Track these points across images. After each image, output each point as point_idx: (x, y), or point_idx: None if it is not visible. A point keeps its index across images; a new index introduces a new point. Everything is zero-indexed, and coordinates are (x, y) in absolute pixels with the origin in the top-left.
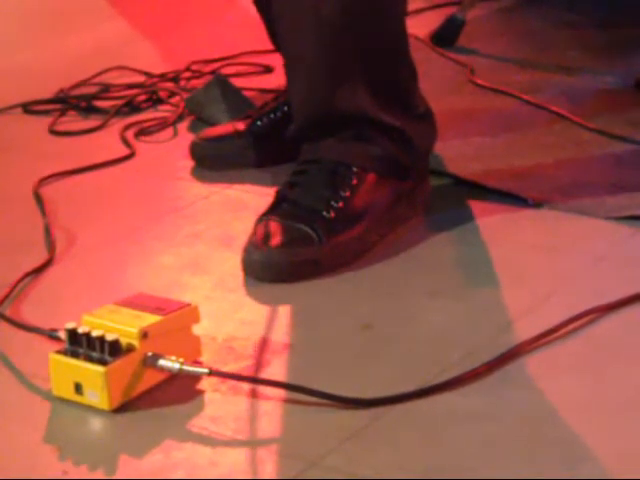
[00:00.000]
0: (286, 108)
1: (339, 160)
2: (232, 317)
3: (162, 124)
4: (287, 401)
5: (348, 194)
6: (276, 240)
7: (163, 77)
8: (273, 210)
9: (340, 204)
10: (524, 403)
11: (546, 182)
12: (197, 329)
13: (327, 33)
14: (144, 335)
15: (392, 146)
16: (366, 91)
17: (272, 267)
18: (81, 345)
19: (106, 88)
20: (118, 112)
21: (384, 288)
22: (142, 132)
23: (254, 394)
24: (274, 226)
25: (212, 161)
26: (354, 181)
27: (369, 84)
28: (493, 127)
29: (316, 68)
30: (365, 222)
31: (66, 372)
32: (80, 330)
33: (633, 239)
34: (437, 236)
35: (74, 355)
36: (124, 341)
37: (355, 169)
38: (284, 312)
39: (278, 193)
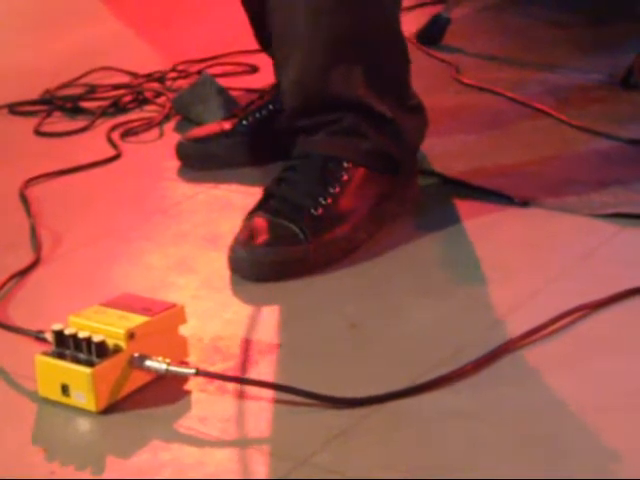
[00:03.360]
0: (272, 106)
1: (329, 155)
2: (219, 317)
3: (148, 124)
4: (274, 401)
5: (337, 190)
6: (262, 238)
7: (149, 77)
8: (261, 207)
9: (329, 200)
10: (512, 401)
11: (532, 180)
12: (184, 329)
13: (323, 16)
14: (131, 336)
15: (383, 139)
16: (361, 76)
17: (258, 265)
18: (68, 346)
19: (92, 89)
20: (104, 113)
21: (371, 287)
22: (128, 133)
23: (241, 394)
24: (261, 223)
25: (199, 161)
26: (344, 177)
27: (364, 70)
28: (479, 125)
29: (311, 50)
30: (353, 219)
31: (53, 373)
32: (67, 331)
33: (619, 236)
34: (424, 235)
35: (61, 356)
36: (111, 342)
37: (345, 164)
38: (271, 311)
39: (266, 190)
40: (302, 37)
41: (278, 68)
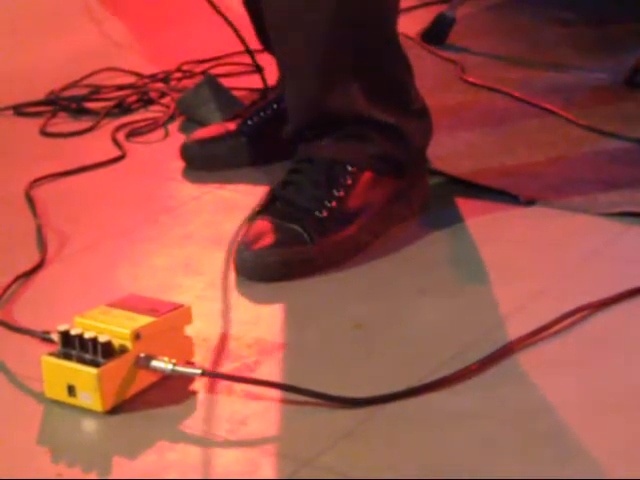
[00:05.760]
0: (275, 106)
1: (334, 159)
2: (224, 317)
3: (153, 125)
4: (280, 401)
5: (342, 194)
6: (267, 240)
7: (153, 78)
8: (266, 209)
9: (333, 204)
10: (516, 401)
11: (538, 179)
12: (189, 330)
13: (319, 37)
14: (137, 336)
15: (388, 143)
16: (359, 91)
17: (263, 267)
18: (74, 347)
19: (97, 89)
20: (109, 113)
21: (376, 287)
22: (133, 133)
23: (247, 394)
24: (266, 225)
25: (204, 162)
26: (349, 181)
27: (362, 83)
28: (484, 125)
29: (308, 71)
30: (359, 222)
31: (59, 374)
32: (73, 332)
33: (624, 236)
34: (428, 235)
35: (67, 357)
36: (117, 342)
37: (350, 168)
38: (276, 312)
39: (271, 192)
40: (299, 64)
41: (283, 85)
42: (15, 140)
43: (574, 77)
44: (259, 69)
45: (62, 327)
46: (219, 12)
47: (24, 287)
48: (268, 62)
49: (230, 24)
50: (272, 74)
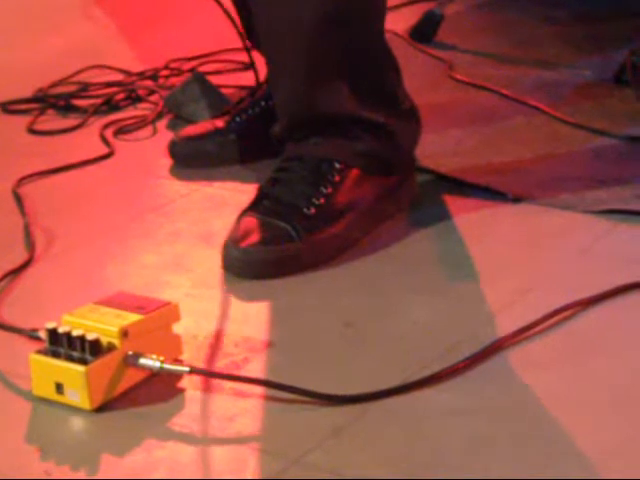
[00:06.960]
0: (264, 103)
1: (322, 157)
2: (212, 315)
3: (141, 122)
4: (268, 399)
5: (330, 191)
6: (255, 237)
7: (142, 75)
8: (254, 207)
9: (321, 200)
10: (506, 398)
11: (525, 177)
12: (178, 327)
13: (307, 37)
14: (125, 334)
15: (376, 142)
16: (348, 91)
17: (251, 264)
18: (62, 345)
19: (85, 87)
20: (97, 111)
21: (365, 285)
22: (121, 131)
23: (235, 392)
24: (254, 223)
25: (192, 159)
26: (336, 178)
27: (351, 84)
28: (472, 122)
29: (297, 71)
30: (347, 219)
31: (47, 372)
32: (60, 330)
33: (612, 233)
34: (417, 232)
35: (55, 355)
36: (105, 340)
37: (338, 165)
38: (265, 309)
39: (259, 189)
40: (287, 64)
41: (271, 84)
42: (3, 138)
43: (562, 75)
44: (252, 65)
45: (50, 325)
46: (223, 9)
47: (12, 285)
48: (256, 60)
49: (232, 19)
50: (262, 72)
